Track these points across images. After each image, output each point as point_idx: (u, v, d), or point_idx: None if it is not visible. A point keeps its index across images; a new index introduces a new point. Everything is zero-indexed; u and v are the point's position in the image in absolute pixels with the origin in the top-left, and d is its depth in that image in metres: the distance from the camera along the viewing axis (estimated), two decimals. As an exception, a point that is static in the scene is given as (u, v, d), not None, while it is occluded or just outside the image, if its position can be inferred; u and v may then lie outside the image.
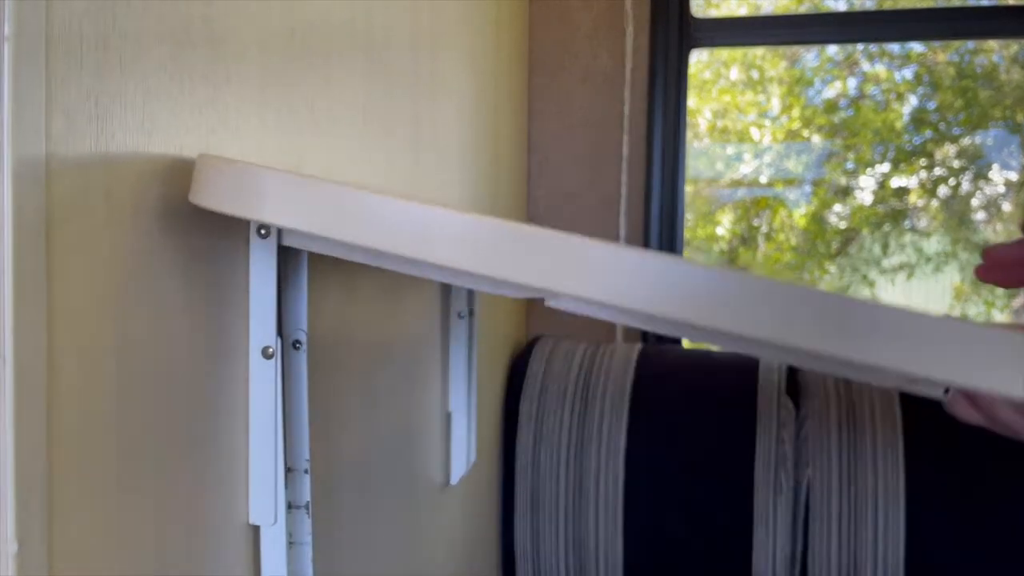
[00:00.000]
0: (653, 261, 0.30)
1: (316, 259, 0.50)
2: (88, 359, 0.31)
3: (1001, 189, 2.11)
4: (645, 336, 1.20)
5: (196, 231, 0.38)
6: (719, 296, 0.29)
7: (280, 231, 0.43)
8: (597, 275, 0.30)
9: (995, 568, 0.90)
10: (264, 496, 0.43)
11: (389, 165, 0.61)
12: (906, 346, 0.27)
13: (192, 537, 0.38)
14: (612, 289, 0.30)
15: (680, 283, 0.29)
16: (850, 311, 0.28)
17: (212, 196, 0.35)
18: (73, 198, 0.30)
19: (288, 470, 0.46)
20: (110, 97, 0.32)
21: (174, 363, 0.37)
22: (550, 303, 0.40)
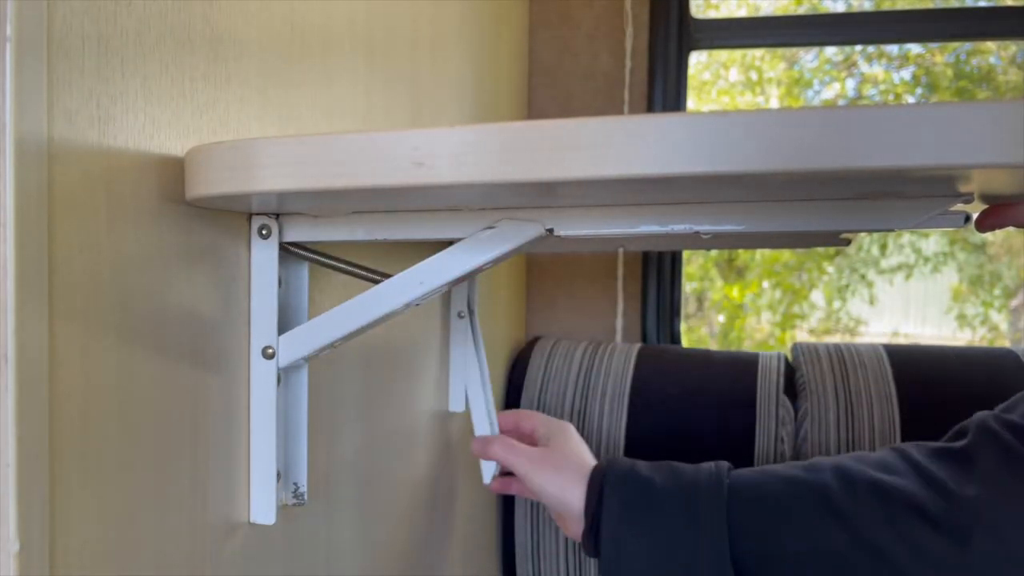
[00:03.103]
0: (658, 121, 0.29)
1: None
2: (90, 359, 0.31)
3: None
4: (645, 336, 1.20)
5: (198, 232, 0.38)
6: (733, 138, 0.28)
7: (281, 229, 0.43)
8: (606, 148, 0.29)
9: (993, 568, 0.90)
10: (264, 495, 0.43)
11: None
12: (919, 138, 0.27)
13: (192, 536, 0.38)
14: (623, 158, 0.29)
15: (690, 134, 0.28)
16: (853, 120, 0.27)
17: (207, 182, 0.35)
18: (75, 200, 0.30)
19: (288, 469, 0.46)
20: (111, 99, 0.32)
21: (175, 362, 0.37)
22: (560, 233, 0.39)
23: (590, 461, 0.64)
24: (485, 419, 0.71)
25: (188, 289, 0.38)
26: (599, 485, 0.60)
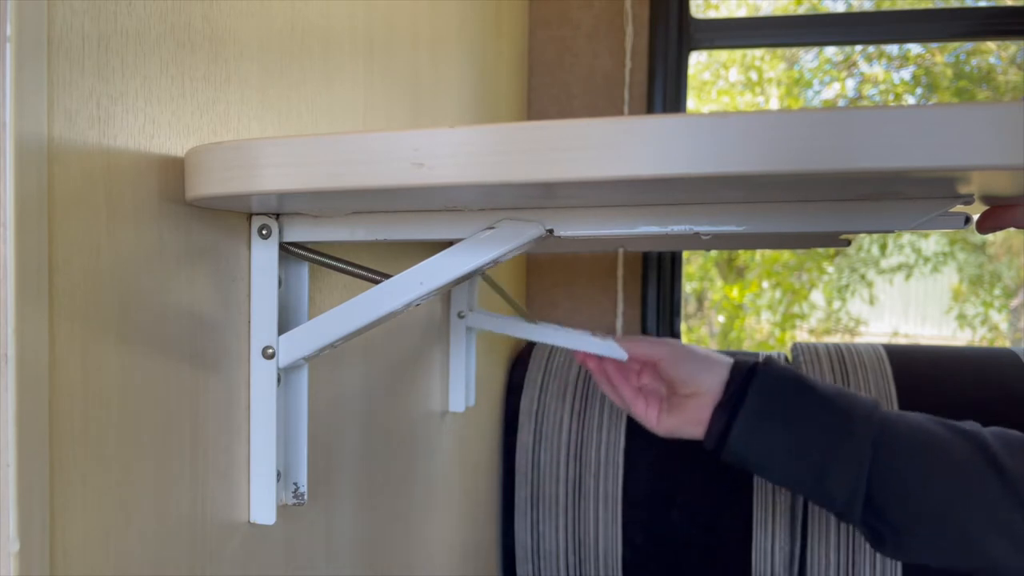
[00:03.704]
0: (658, 122, 0.29)
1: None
2: (90, 359, 0.31)
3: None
4: (645, 332, 1.20)
5: (198, 232, 0.38)
6: (733, 140, 0.28)
7: (281, 229, 0.43)
8: (606, 149, 0.29)
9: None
10: (264, 495, 0.43)
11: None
12: (920, 140, 0.27)
13: (192, 536, 0.38)
14: (624, 159, 0.29)
15: (690, 136, 0.28)
16: (853, 121, 0.27)
17: (207, 183, 0.35)
18: (75, 200, 0.30)
19: (288, 469, 0.46)
20: (111, 99, 0.32)
21: (175, 362, 0.37)
22: (560, 233, 0.39)
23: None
24: (589, 340, 0.68)
25: (188, 289, 0.38)
26: (747, 370, 0.61)
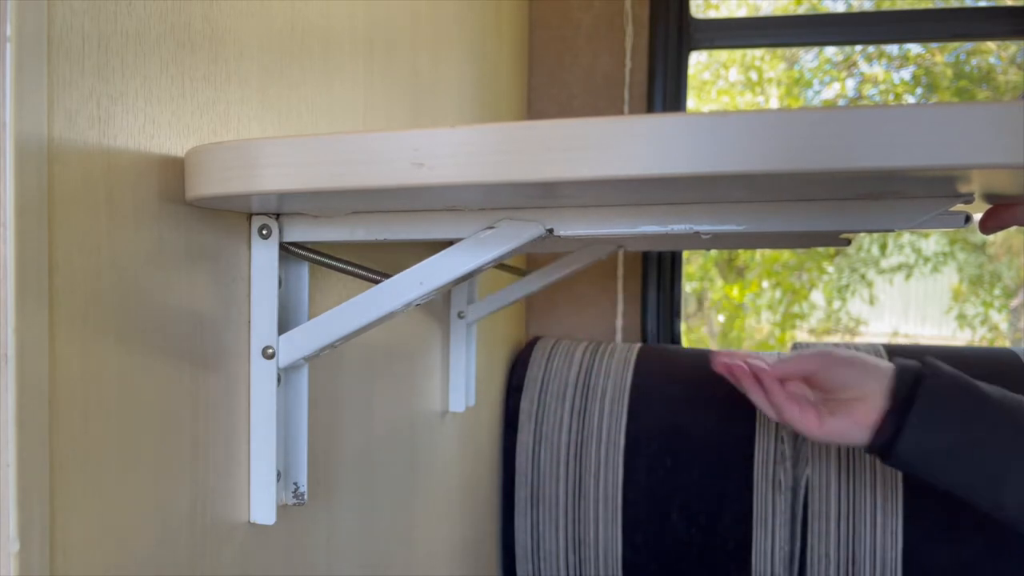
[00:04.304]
0: (658, 121, 0.29)
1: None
2: (90, 359, 0.31)
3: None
4: (644, 335, 1.20)
5: (198, 232, 0.38)
6: (733, 139, 0.28)
7: (281, 229, 0.43)
8: (606, 148, 0.29)
9: (992, 566, 0.90)
10: (264, 495, 0.43)
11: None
12: (920, 139, 0.27)
13: (192, 536, 0.38)
14: (624, 159, 0.29)
15: (690, 135, 0.28)
16: (853, 120, 0.27)
17: (207, 183, 0.35)
18: (75, 200, 0.30)
19: (288, 469, 0.46)
20: (111, 99, 0.32)
21: (175, 362, 0.37)
22: (560, 233, 0.39)
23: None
24: None
25: (188, 289, 0.38)
26: (913, 375, 0.62)
